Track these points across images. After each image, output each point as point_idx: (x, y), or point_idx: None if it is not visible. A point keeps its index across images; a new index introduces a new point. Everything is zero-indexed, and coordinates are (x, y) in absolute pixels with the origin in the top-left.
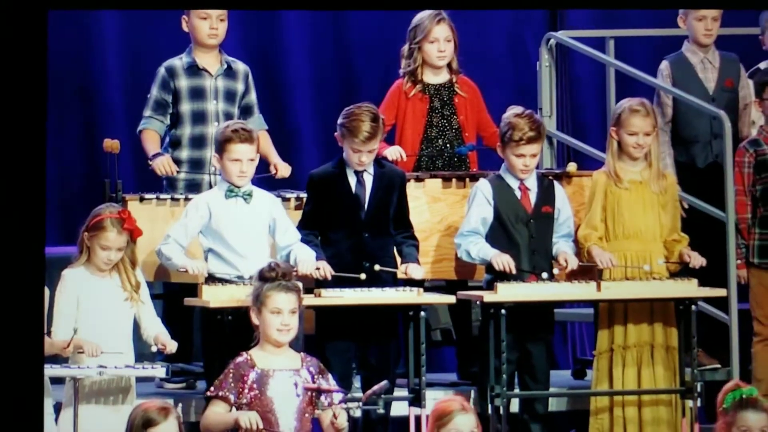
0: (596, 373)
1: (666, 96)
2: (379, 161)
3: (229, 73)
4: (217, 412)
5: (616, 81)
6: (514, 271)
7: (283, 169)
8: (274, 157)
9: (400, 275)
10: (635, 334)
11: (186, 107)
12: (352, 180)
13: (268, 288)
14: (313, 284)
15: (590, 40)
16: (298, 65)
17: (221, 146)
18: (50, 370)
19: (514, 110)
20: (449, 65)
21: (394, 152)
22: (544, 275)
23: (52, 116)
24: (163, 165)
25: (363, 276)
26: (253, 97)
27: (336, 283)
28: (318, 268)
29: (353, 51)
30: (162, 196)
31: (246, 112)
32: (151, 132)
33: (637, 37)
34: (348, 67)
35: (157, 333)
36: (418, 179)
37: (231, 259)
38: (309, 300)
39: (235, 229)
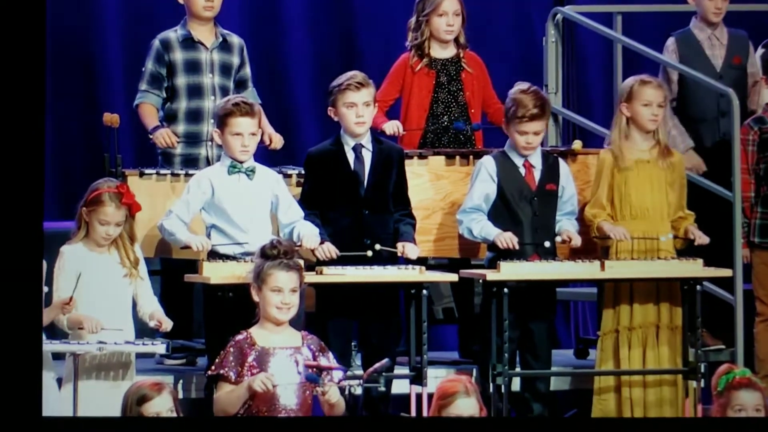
0: (600, 354)
1: (672, 73)
2: (377, 138)
3: (225, 46)
4: (227, 391)
5: (623, 57)
6: (517, 247)
7: (276, 141)
8: (268, 128)
9: (398, 253)
10: (641, 314)
11: (181, 80)
12: (351, 157)
13: (269, 266)
14: (314, 261)
15: (597, 15)
16: (298, 39)
17: (222, 120)
18: (50, 346)
19: (520, 86)
20: (456, 40)
21: (391, 126)
22: (547, 243)
23: (52, 90)
24: (163, 137)
25: (369, 253)
26: (247, 70)
27: (338, 261)
28: (323, 243)
29: (354, 25)
30: (162, 171)
31: (240, 85)
32: (148, 105)
33: (645, 12)
34: (349, 42)
35: (153, 310)
36: (422, 156)
37: (234, 235)
38: (311, 277)
39: (238, 205)
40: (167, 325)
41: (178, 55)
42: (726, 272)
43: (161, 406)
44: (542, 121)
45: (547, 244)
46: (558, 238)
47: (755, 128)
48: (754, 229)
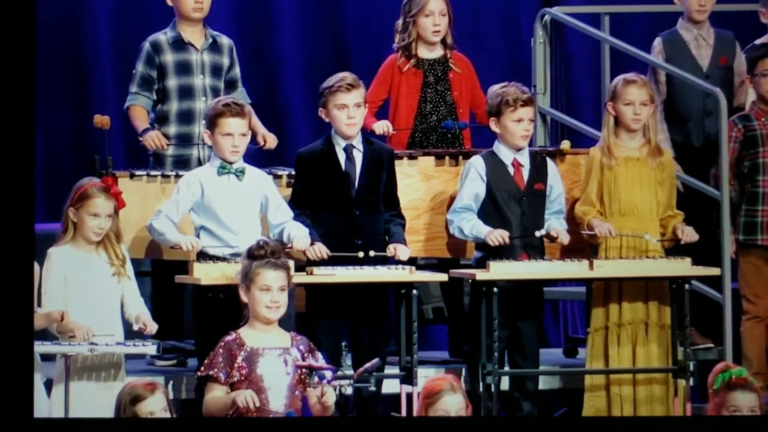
0: (590, 351)
1: (659, 74)
2: (368, 138)
3: (215, 47)
4: (216, 397)
5: (611, 58)
6: (508, 242)
7: (270, 141)
8: (261, 129)
9: (388, 255)
10: (630, 311)
11: (172, 82)
12: (342, 157)
13: (257, 265)
14: (305, 262)
15: (585, 16)
16: (289, 40)
17: (212, 121)
18: (41, 347)
19: (498, 84)
20: (443, 40)
21: (381, 126)
22: (537, 233)
23: (42, 91)
24: (153, 140)
25: (361, 254)
26: (237, 71)
27: (328, 261)
28: (313, 244)
29: (344, 26)
30: (152, 172)
31: (230, 86)
32: (139, 108)
33: (632, 13)
34: (339, 43)
35: (139, 312)
36: (411, 157)
37: (223, 236)
38: (301, 278)
39: (228, 206)
40: (152, 327)
41: (169, 57)
42: (714, 271)
43: (155, 405)
44: (532, 108)
45: (537, 233)
46: (543, 230)
47: (740, 125)
48: (739, 227)
